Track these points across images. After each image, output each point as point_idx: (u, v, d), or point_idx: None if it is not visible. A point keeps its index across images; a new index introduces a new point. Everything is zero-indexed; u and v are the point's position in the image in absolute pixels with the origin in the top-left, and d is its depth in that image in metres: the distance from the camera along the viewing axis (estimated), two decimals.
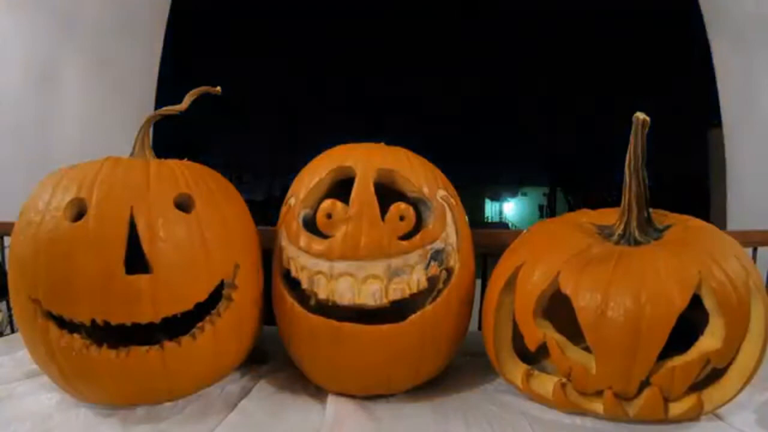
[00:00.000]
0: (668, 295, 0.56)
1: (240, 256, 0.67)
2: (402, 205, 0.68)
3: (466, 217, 0.75)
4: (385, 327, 0.65)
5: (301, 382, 0.74)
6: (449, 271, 0.70)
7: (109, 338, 0.60)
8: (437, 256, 0.68)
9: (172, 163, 0.69)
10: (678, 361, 0.58)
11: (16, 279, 0.62)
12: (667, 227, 0.67)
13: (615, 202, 0.70)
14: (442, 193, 0.72)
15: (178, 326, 0.62)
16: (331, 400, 0.68)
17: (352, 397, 0.69)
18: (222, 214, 0.67)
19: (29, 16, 2.09)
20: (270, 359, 0.83)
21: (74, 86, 2.30)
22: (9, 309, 1.29)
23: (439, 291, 0.69)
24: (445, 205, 0.71)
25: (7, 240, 1.01)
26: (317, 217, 0.68)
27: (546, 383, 0.66)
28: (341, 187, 0.70)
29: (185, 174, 0.67)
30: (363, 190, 0.67)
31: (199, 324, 0.64)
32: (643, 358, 0.57)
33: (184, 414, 0.65)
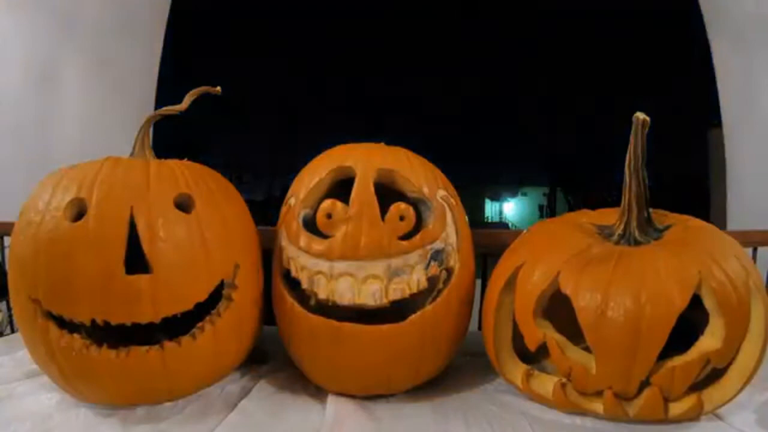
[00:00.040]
0: (668, 295, 0.56)
1: (240, 256, 0.67)
2: (402, 205, 0.68)
3: (466, 217, 0.75)
4: (385, 327, 0.65)
5: (301, 382, 0.74)
6: (449, 271, 0.70)
7: (109, 338, 0.60)
8: (437, 256, 0.68)
9: (172, 163, 0.69)
10: (678, 361, 0.58)
11: (16, 279, 0.62)
12: (667, 227, 0.67)
13: (615, 202, 0.70)
14: (442, 193, 0.72)
15: (178, 326, 0.62)
16: (331, 400, 0.68)
17: (352, 397, 0.69)
18: (222, 214, 0.67)
19: (29, 16, 2.09)
20: (270, 359, 0.83)
21: (74, 86, 2.30)
22: (9, 309, 1.29)
23: (439, 291, 0.69)
24: (445, 205, 0.71)
25: (7, 240, 1.01)
26: (317, 217, 0.68)
27: (546, 383, 0.66)
28: (341, 187, 0.70)
29: (185, 174, 0.67)
30: (363, 190, 0.67)
31: (199, 324, 0.64)
32: (643, 358, 0.57)
33: (184, 414, 0.65)
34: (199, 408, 0.66)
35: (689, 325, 0.58)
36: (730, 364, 0.59)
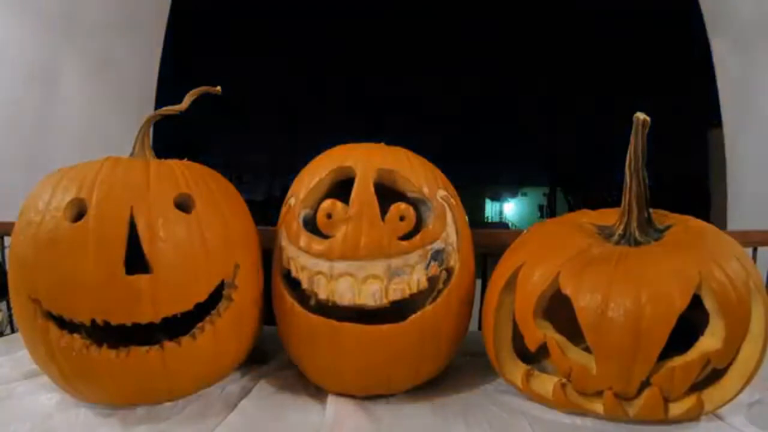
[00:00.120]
0: (668, 295, 0.56)
1: (240, 256, 0.67)
2: (402, 205, 0.68)
3: (466, 217, 0.75)
4: (385, 327, 0.65)
5: (301, 382, 0.74)
6: (449, 271, 0.70)
7: (109, 338, 0.60)
8: (437, 256, 0.68)
9: (172, 163, 0.69)
10: (678, 361, 0.58)
11: (16, 279, 0.62)
12: (668, 227, 0.67)
13: (615, 202, 0.70)
14: (442, 193, 0.72)
15: (178, 326, 0.62)
16: (331, 400, 0.68)
17: (352, 397, 0.69)
18: (222, 214, 0.67)
19: (29, 16, 2.09)
20: (270, 359, 0.83)
21: (74, 86, 2.30)
22: (9, 309, 1.29)
23: (439, 291, 0.69)
24: (445, 205, 0.71)
25: (7, 240, 1.01)
26: (317, 217, 0.68)
27: (546, 383, 0.66)
28: (341, 187, 0.70)
29: (185, 174, 0.67)
30: (363, 190, 0.67)
31: (199, 324, 0.64)
32: (644, 358, 0.57)
33: (184, 414, 0.65)
34: (199, 408, 0.66)
35: (689, 325, 0.58)
36: (730, 364, 0.59)
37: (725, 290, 0.57)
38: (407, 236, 0.67)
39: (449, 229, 0.70)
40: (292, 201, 0.72)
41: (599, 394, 0.61)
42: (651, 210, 0.67)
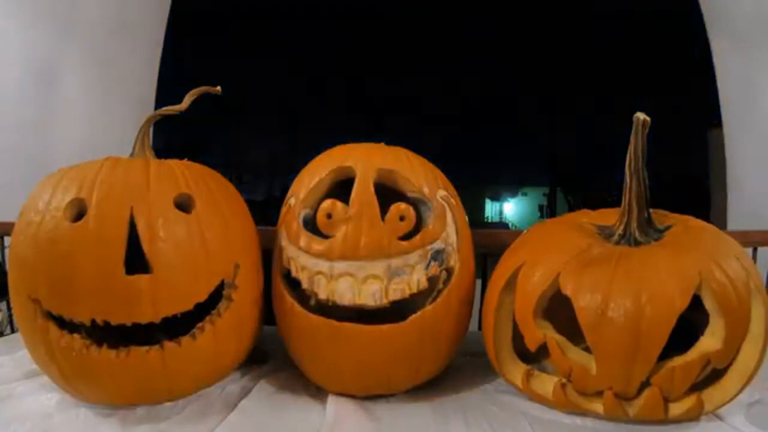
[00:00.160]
0: (669, 295, 0.56)
1: (240, 256, 0.67)
2: (402, 205, 0.68)
3: (466, 217, 0.75)
4: (385, 327, 0.65)
5: (301, 382, 0.74)
6: (449, 271, 0.70)
7: (109, 338, 0.60)
8: (437, 256, 0.68)
9: (172, 163, 0.69)
10: (678, 361, 0.58)
11: (16, 279, 0.62)
12: (668, 227, 0.67)
13: (615, 202, 0.70)
14: (442, 193, 0.72)
15: (178, 326, 0.62)
16: (331, 400, 0.68)
17: (352, 397, 0.69)
18: (222, 214, 0.67)
19: (29, 16, 2.09)
20: (270, 359, 0.83)
21: (74, 86, 2.30)
22: (9, 309, 1.29)
23: (439, 291, 0.69)
24: (445, 205, 0.71)
25: (7, 240, 1.01)
26: (317, 217, 0.68)
27: (546, 383, 0.66)
28: (341, 187, 0.70)
29: (185, 174, 0.67)
30: (363, 190, 0.67)
31: (199, 324, 0.64)
32: (644, 358, 0.57)
33: (184, 414, 0.65)
34: (199, 408, 0.66)
35: (689, 325, 0.58)
36: (730, 364, 0.59)
37: (725, 290, 0.57)
38: (407, 236, 0.67)
39: (449, 229, 0.70)
40: (292, 201, 0.72)
41: (599, 394, 0.61)
42: (651, 210, 0.67)
